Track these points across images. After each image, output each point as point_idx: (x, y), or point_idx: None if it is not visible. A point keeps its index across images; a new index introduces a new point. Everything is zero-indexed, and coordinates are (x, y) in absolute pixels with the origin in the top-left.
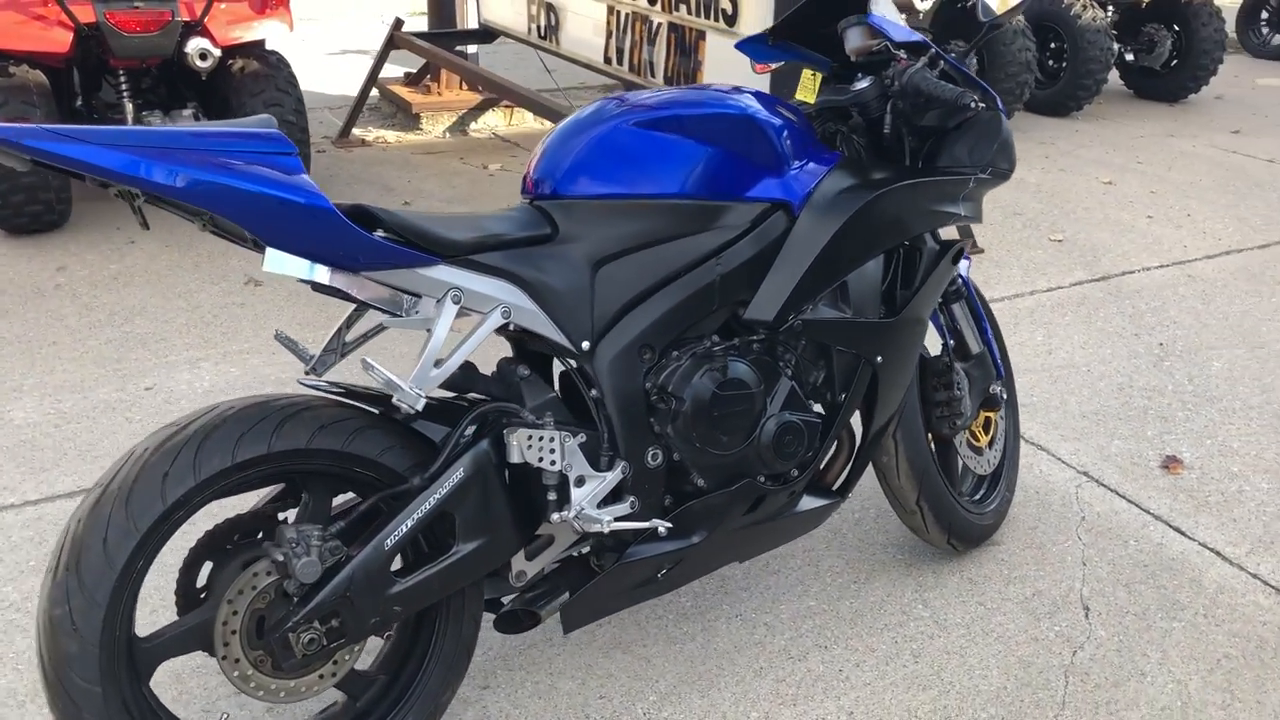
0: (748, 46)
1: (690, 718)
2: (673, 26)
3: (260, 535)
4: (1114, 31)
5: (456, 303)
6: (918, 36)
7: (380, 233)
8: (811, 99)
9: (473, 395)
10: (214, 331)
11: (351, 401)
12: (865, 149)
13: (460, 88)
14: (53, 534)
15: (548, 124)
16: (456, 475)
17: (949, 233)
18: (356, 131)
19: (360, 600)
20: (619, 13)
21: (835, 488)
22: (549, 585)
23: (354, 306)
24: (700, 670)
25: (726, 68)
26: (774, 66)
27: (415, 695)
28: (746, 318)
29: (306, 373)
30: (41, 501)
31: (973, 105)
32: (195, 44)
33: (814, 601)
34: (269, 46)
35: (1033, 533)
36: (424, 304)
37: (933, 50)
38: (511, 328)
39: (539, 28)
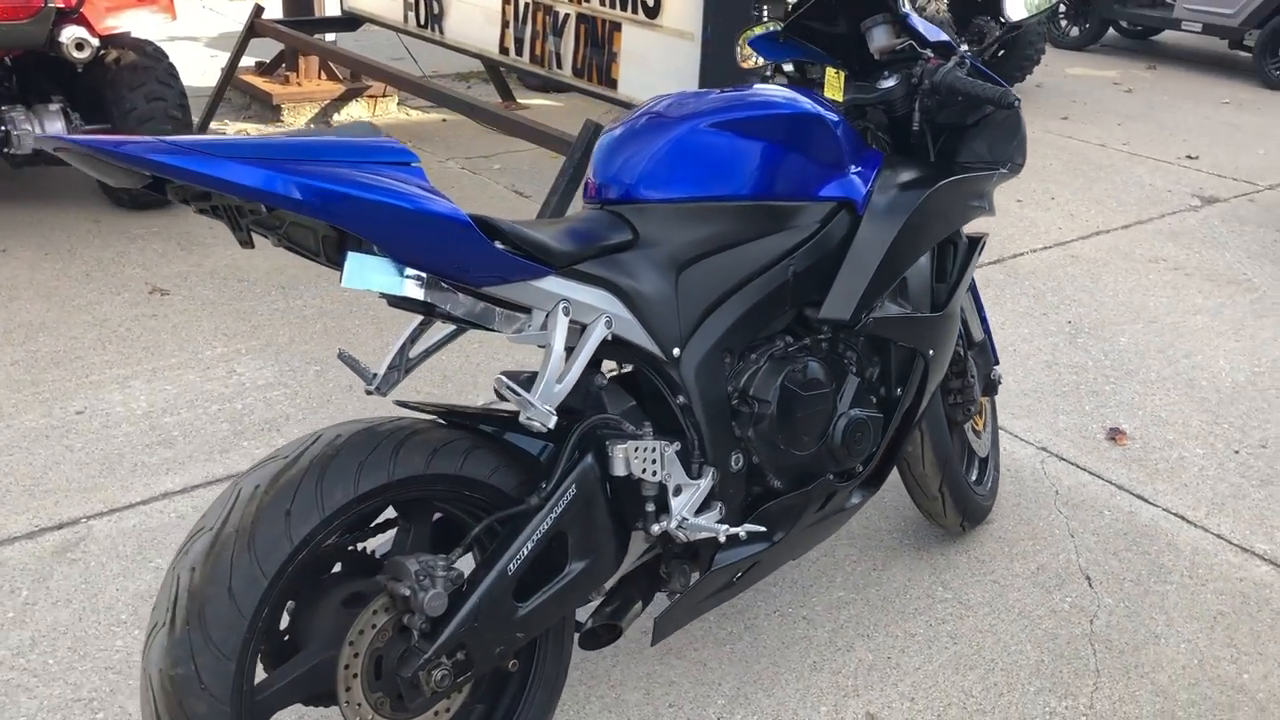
0: (758, 43)
1: (763, 718)
2: (582, 17)
3: (340, 568)
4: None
5: (567, 315)
6: (945, 37)
7: (498, 244)
8: (839, 97)
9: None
10: (133, 347)
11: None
12: (889, 146)
13: (320, 77)
14: (19, 580)
15: (414, 114)
16: (570, 492)
17: None
18: (214, 125)
19: (488, 630)
20: (516, 2)
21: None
22: (621, 597)
23: (417, 322)
24: (757, 670)
25: (644, 61)
26: (784, 66)
27: None
28: (821, 317)
29: (369, 392)
30: None
31: (1016, 103)
32: (70, 33)
33: (842, 592)
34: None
35: (1017, 509)
36: (535, 317)
37: (962, 51)
38: (610, 337)
39: (418, 16)
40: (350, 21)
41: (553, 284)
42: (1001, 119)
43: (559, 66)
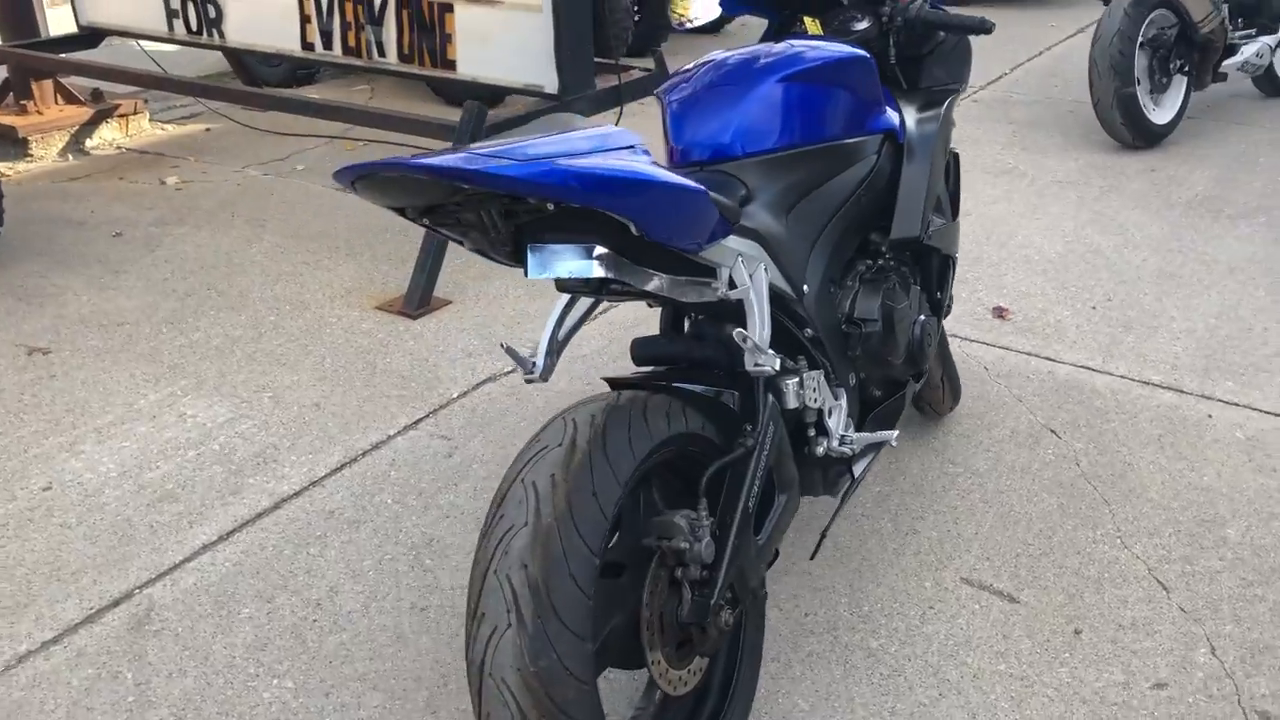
0: (725, 1)
1: (883, 602)
2: (404, 2)
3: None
4: None
5: (746, 268)
6: None
7: None
8: (819, 30)
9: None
10: (52, 411)
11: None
12: None
13: (59, 102)
14: (113, 663)
15: (169, 129)
16: (770, 430)
17: None
18: None
19: (747, 565)
20: None
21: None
22: None
23: (564, 302)
24: (856, 567)
25: (486, 39)
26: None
27: (738, 691)
28: (896, 237)
29: (529, 379)
30: (33, 654)
31: (993, 27)
32: None
33: (878, 487)
34: None
35: (967, 388)
36: (721, 274)
37: None
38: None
39: (187, 22)
40: (90, 39)
41: (734, 241)
42: (953, 46)
43: (381, 55)
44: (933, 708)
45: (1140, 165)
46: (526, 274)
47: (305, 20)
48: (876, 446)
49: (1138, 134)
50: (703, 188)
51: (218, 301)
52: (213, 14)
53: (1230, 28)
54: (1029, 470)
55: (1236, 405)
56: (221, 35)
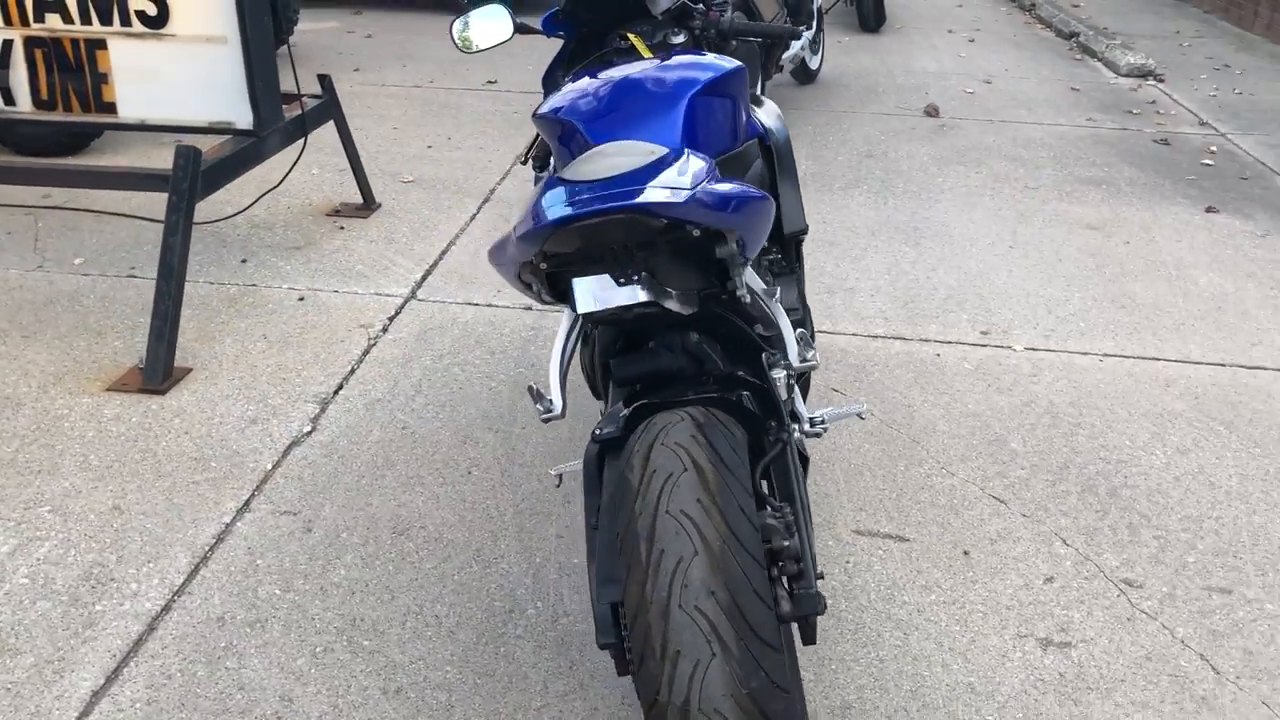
0: (546, 22)
1: None
2: (36, 41)
3: None
4: None
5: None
6: None
7: None
8: (650, 54)
9: None
10: None
11: None
12: None
13: None
14: None
15: None
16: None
17: None
18: None
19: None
20: None
21: None
22: None
23: (564, 337)
24: None
25: (155, 76)
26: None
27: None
28: (791, 232)
29: (547, 419)
30: None
31: (803, 31)
32: None
33: None
34: None
35: None
36: (738, 280)
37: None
38: None
39: None
40: None
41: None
42: (746, 51)
43: (9, 103)
44: (905, 647)
45: None
46: (575, 308)
47: None
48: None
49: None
50: (766, 194)
51: None
52: None
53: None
54: (840, 427)
55: (949, 343)
56: None
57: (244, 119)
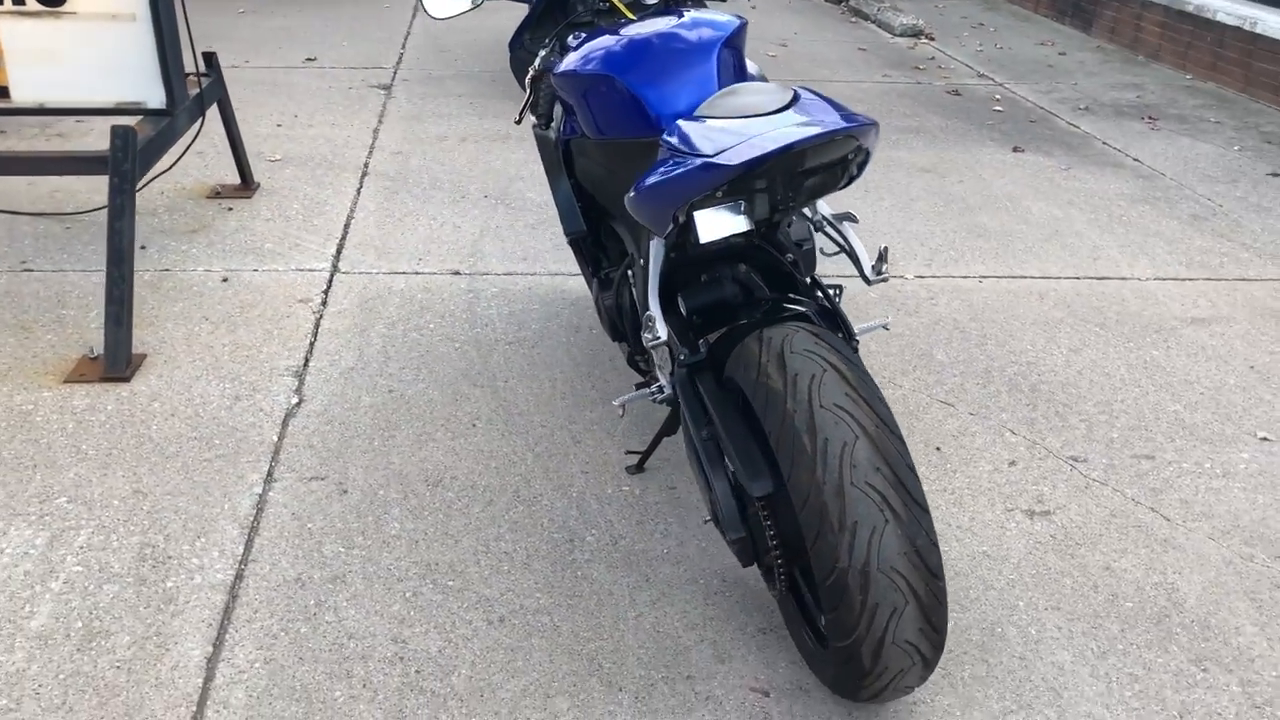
0: None
1: None
2: None
3: None
4: None
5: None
6: None
7: None
8: (633, 15)
9: None
10: None
11: None
12: None
13: None
14: None
15: None
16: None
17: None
18: None
19: None
20: None
21: None
22: None
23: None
24: None
25: (53, 58)
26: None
27: None
28: None
29: (654, 346)
30: None
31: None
32: None
33: None
34: None
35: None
36: (812, 210)
37: None
38: None
39: None
40: None
41: None
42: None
43: None
44: None
45: None
46: (699, 239)
47: None
48: None
49: None
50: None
51: None
52: None
53: None
54: None
55: (849, 276)
56: None
57: (156, 98)
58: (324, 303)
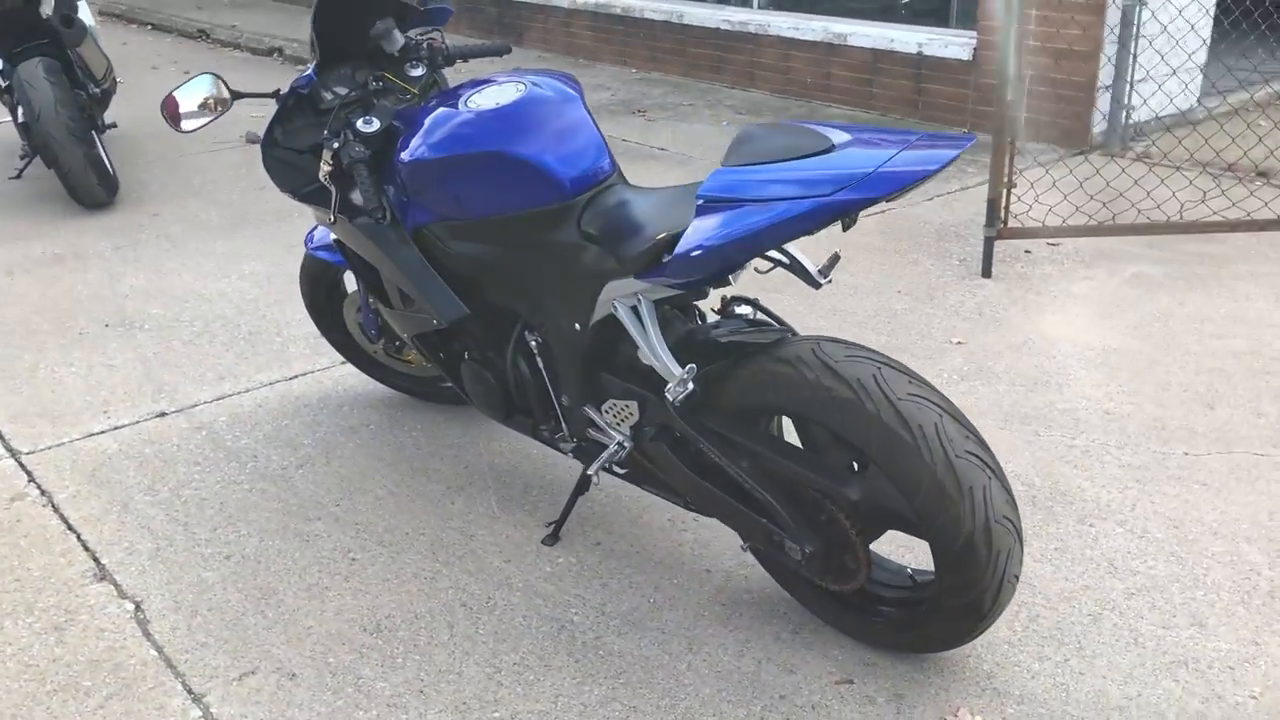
0: (302, 80)
1: None
2: None
3: None
4: None
5: None
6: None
7: None
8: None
9: None
10: None
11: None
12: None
13: None
14: None
15: None
16: None
17: None
18: None
19: None
20: None
21: None
22: None
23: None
24: None
25: None
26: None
27: None
28: None
29: (688, 393)
30: None
31: (508, 48)
32: None
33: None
34: None
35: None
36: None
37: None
38: None
39: None
40: None
41: None
42: None
43: None
44: None
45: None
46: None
47: None
48: None
49: (109, 189)
50: None
51: None
52: None
53: None
54: None
55: None
56: None
57: None
58: (43, 491)
